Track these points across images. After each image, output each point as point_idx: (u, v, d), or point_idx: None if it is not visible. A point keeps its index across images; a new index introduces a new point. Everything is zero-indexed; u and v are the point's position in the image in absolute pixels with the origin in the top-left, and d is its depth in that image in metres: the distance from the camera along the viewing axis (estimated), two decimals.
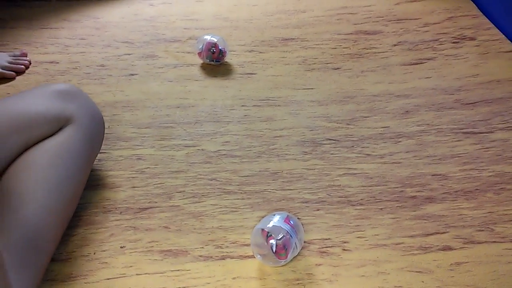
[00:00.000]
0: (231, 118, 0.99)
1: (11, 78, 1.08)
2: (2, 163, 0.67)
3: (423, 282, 0.68)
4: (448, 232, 0.75)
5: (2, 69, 1.07)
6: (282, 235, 0.67)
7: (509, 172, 0.84)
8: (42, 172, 0.67)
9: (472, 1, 1.34)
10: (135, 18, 1.30)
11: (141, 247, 0.73)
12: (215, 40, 1.11)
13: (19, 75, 1.09)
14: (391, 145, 0.91)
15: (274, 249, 0.67)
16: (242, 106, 1.02)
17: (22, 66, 1.10)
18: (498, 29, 1.22)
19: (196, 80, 1.09)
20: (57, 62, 1.13)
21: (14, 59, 1.11)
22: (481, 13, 1.29)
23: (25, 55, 1.13)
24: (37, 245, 0.62)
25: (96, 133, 0.77)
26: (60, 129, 0.72)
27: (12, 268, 0.57)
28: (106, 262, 0.70)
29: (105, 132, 0.92)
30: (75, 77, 1.08)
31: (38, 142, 0.70)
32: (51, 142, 0.70)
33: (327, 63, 1.14)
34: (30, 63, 1.12)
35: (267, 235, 0.67)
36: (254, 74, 1.12)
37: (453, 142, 0.91)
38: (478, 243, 0.73)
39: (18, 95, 0.75)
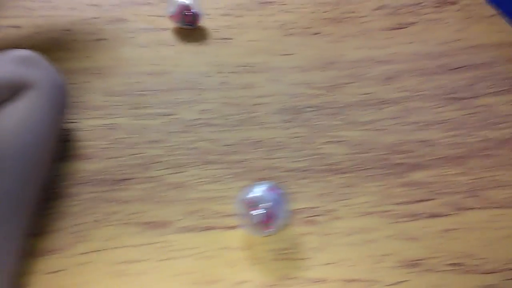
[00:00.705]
0: (207, 85, 0.94)
1: None
2: None
3: (411, 249, 0.67)
4: (436, 199, 0.74)
5: None
6: (267, 204, 0.64)
7: (494, 138, 0.84)
8: (7, 138, 0.62)
9: None
10: None
11: (119, 220, 0.68)
12: (188, 2, 1.04)
13: None
14: (375, 112, 0.89)
15: (259, 219, 0.64)
16: (219, 72, 0.97)
17: None
18: None
19: (169, 45, 1.03)
20: (19, 27, 1.05)
21: None
22: None
23: None
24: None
25: (60, 101, 0.73)
26: (17, 95, 0.67)
27: None
28: (83, 236, 0.66)
29: (75, 101, 0.87)
30: (39, 43, 1.00)
31: None
32: (12, 107, 0.66)
33: (307, 28, 1.10)
34: None
35: (252, 205, 0.64)
36: (231, 39, 1.06)
37: (438, 108, 0.90)
38: (467, 209, 0.72)
39: None
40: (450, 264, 0.65)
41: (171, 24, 1.08)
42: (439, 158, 0.80)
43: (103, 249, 0.64)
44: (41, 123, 0.67)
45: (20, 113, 0.65)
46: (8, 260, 0.57)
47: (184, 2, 1.04)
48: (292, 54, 1.03)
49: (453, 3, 1.17)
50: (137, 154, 0.78)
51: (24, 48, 0.98)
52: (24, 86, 0.68)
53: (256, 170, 0.77)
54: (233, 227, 0.68)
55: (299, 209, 0.71)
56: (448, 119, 0.87)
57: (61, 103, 0.73)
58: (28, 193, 0.62)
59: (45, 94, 0.69)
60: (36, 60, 0.72)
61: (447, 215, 0.71)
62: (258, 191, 0.65)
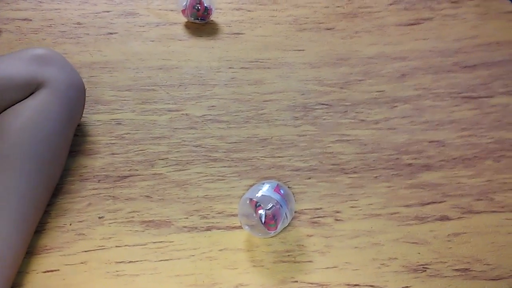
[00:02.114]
0: (217, 81, 0.93)
1: None
2: None
3: (419, 253, 0.65)
4: (445, 201, 0.72)
5: None
6: (271, 205, 0.63)
7: (509, 139, 0.81)
8: (15, 136, 0.62)
9: None
10: None
11: (121, 218, 0.68)
12: None
13: None
14: (387, 110, 0.86)
15: (263, 220, 0.63)
16: (229, 68, 0.96)
17: None
18: None
19: (180, 40, 1.02)
20: (30, 20, 1.05)
21: None
22: None
23: None
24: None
25: (74, 100, 0.72)
26: (32, 94, 0.67)
27: None
28: (83, 234, 0.66)
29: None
30: (49, 36, 1.00)
31: (8, 107, 0.66)
32: (22, 105, 0.65)
33: (320, 23, 1.08)
34: None
35: (256, 205, 0.63)
36: (242, 34, 1.05)
37: (451, 107, 0.87)
38: (476, 213, 0.70)
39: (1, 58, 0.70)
40: (457, 270, 0.63)
41: (182, 19, 1.07)
42: (450, 159, 0.78)
43: (102, 248, 0.64)
44: (51, 121, 0.66)
45: (29, 111, 0.65)
46: (11, 256, 0.57)
47: None
48: (304, 49, 1.01)
49: None
50: (142, 150, 0.78)
51: (36, 41, 0.98)
52: (37, 84, 0.67)
53: (262, 169, 0.76)
54: (235, 228, 0.67)
55: (304, 209, 0.70)
56: (461, 119, 0.85)
57: (75, 101, 0.72)
58: (38, 192, 0.63)
59: (58, 92, 0.68)
60: (52, 58, 0.71)
61: (456, 218, 0.69)
62: (262, 191, 0.64)
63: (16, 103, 0.66)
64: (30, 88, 0.67)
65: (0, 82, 0.65)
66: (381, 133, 0.82)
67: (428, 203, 0.71)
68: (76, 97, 0.72)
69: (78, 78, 0.74)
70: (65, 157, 0.71)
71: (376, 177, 0.75)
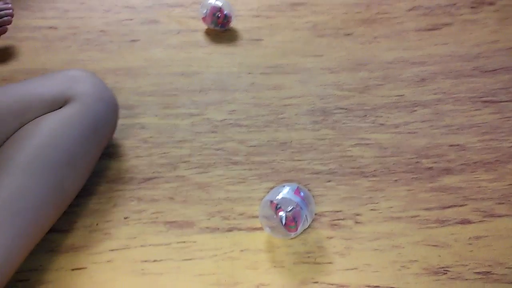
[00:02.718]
0: (237, 86, 0.94)
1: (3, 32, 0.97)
2: None
3: (439, 256, 0.65)
4: (466, 204, 0.71)
5: None
6: (292, 207, 0.64)
7: None
8: (33, 144, 0.63)
9: None
10: None
11: (145, 218, 0.70)
12: (220, 4, 1.05)
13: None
14: (406, 114, 0.87)
15: (283, 221, 0.64)
16: (249, 73, 0.97)
17: (8, 17, 0.97)
18: None
19: (201, 47, 1.04)
20: (56, 28, 1.08)
21: None
22: None
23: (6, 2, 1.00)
24: (17, 210, 0.57)
25: (102, 113, 0.71)
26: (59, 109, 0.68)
27: None
28: (109, 233, 0.67)
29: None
30: (75, 43, 1.04)
31: None
32: (46, 117, 0.66)
33: (338, 29, 1.09)
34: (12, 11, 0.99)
35: (276, 207, 0.64)
36: (261, 40, 1.07)
37: (472, 111, 0.87)
38: (498, 216, 0.70)
39: (33, 78, 0.72)
40: (478, 273, 0.63)
41: (203, 26, 1.09)
42: (471, 163, 0.78)
43: (128, 247, 0.66)
44: (76, 131, 0.66)
45: (55, 121, 0.65)
46: (14, 253, 0.55)
47: (216, 4, 1.05)
48: (323, 55, 1.02)
49: (490, 4, 1.13)
50: (165, 153, 0.80)
51: (61, 48, 1.01)
52: (65, 100, 0.68)
53: (282, 172, 0.77)
54: (256, 229, 0.68)
55: (324, 212, 0.71)
56: (482, 123, 0.84)
57: (103, 114, 0.71)
58: (44, 192, 0.61)
59: (83, 106, 0.68)
60: (85, 77, 0.72)
61: (477, 222, 0.69)
62: (283, 193, 0.65)
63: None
64: (57, 104, 0.68)
65: (29, 99, 0.67)
66: (401, 137, 0.83)
67: (449, 207, 0.71)
68: (104, 111, 0.72)
69: (110, 94, 0.74)
70: (87, 168, 0.69)
71: (396, 180, 0.76)
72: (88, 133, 0.68)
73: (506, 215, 0.70)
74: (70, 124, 0.66)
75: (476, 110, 0.87)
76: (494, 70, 0.96)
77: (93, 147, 0.70)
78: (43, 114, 0.66)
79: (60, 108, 0.68)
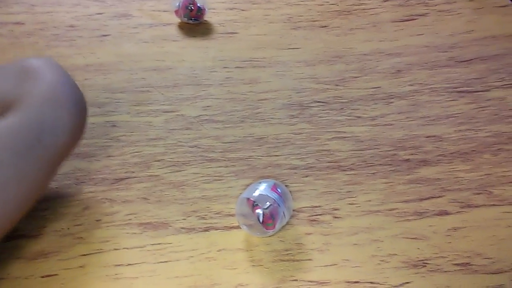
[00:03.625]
0: (212, 81, 0.92)
1: None
2: None
3: (419, 249, 0.65)
4: (444, 196, 0.71)
5: None
6: (269, 204, 0.62)
7: (506, 132, 0.81)
8: None
9: None
10: None
11: (118, 220, 0.67)
12: None
13: None
14: (383, 106, 0.86)
15: (261, 219, 0.62)
16: (224, 67, 0.95)
17: None
18: None
19: (174, 41, 1.02)
20: (23, 23, 1.04)
21: None
22: None
23: None
24: None
25: (51, 122, 0.56)
26: (7, 112, 0.55)
27: None
28: (81, 237, 0.65)
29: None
30: (42, 39, 1.00)
31: None
32: None
33: (314, 21, 1.07)
34: None
35: (253, 204, 0.63)
36: (236, 33, 1.04)
37: (448, 101, 0.87)
38: (475, 206, 0.70)
39: None
40: (458, 264, 0.63)
41: (175, 19, 1.07)
42: (448, 154, 0.77)
43: (100, 251, 0.63)
44: (20, 142, 0.53)
45: None
46: None
47: None
48: (298, 48, 1.01)
49: None
50: (138, 152, 0.77)
51: (28, 44, 0.98)
52: (9, 104, 0.55)
53: (259, 168, 0.76)
54: (233, 228, 0.67)
55: (302, 208, 0.70)
56: (458, 113, 0.84)
57: (53, 126, 0.56)
58: None
59: (25, 115, 0.54)
60: (39, 70, 0.58)
61: (455, 213, 0.69)
62: (259, 190, 0.64)
63: None
64: (5, 106, 0.55)
65: None
66: (378, 129, 0.82)
67: (427, 198, 0.71)
68: (55, 117, 0.56)
69: (70, 93, 0.59)
70: (25, 195, 0.54)
71: (373, 173, 0.75)
72: (24, 150, 0.53)
73: (483, 205, 0.70)
74: (10, 136, 0.52)
75: (452, 100, 0.87)
76: (469, 60, 0.96)
77: (35, 166, 0.55)
78: None
79: (2, 113, 0.55)
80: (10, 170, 0.52)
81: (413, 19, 1.07)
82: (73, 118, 0.58)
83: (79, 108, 0.60)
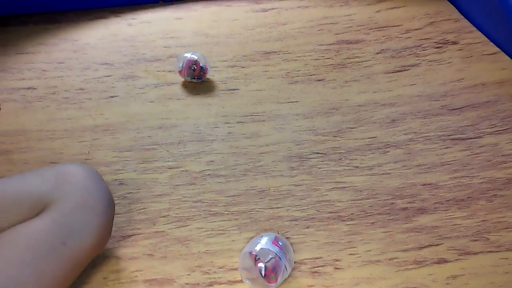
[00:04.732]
0: (215, 136, 0.96)
1: None
2: None
3: None
4: (442, 243, 0.73)
5: None
6: (270, 257, 0.65)
7: (500, 178, 0.83)
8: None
9: (453, 4, 1.33)
10: (114, 39, 1.28)
11: (124, 278, 0.69)
12: (196, 57, 1.09)
13: None
14: (379, 156, 0.89)
15: (263, 273, 0.64)
16: (226, 123, 1.00)
17: None
18: (480, 31, 1.21)
19: (178, 99, 1.07)
20: (35, 88, 1.10)
21: None
22: (462, 16, 1.28)
23: None
24: None
25: (78, 223, 0.62)
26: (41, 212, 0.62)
27: None
28: None
29: (86, 158, 0.90)
30: (54, 102, 1.05)
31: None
32: (23, 226, 0.60)
33: (311, 75, 1.12)
34: None
35: (255, 258, 0.65)
36: (237, 89, 1.10)
37: (442, 149, 0.89)
38: (473, 253, 0.71)
39: (23, 174, 0.67)
40: None
41: (179, 79, 1.12)
42: (444, 201, 0.79)
43: None
44: (44, 244, 0.60)
45: (27, 232, 0.60)
46: None
47: (192, 57, 1.09)
48: (297, 101, 1.05)
49: (454, 43, 1.18)
50: (144, 208, 0.80)
51: (40, 108, 1.03)
52: (44, 205, 0.62)
53: (261, 220, 0.78)
54: (236, 282, 0.68)
55: (304, 259, 0.72)
56: (453, 161, 0.87)
57: (79, 225, 0.62)
58: None
59: (58, 215, 0.61)
60: (74, 176, 0.65)
61: (453, 260, 0.70)
62: (261, 244, 0.66)
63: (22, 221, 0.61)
64: (35, 210, 0.61)
65: (5, 203, 0.61)
66: (376, 179, 0.85)
67: (425, 246, 0.73)
68: (83, 220, 0.63)
69: (100, 196, 0.65)
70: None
71: (373, 223, 0.77)
72: (46, 252, 0.60)
73: (481, 252, 0.71)
74: (36, 238, 0.59)
75: (446, 148, 0.90)
76: (461, 108, 0.99)
77: (56, 266, 0.60)
78: (19, 218, 0.60)
79: (38, 214, 0.61)
80: (29, 269, 0.58)
81: (405, 70, 1.12)
82: (102, 221, 0.65)
83: (108, 212, 0.66)
